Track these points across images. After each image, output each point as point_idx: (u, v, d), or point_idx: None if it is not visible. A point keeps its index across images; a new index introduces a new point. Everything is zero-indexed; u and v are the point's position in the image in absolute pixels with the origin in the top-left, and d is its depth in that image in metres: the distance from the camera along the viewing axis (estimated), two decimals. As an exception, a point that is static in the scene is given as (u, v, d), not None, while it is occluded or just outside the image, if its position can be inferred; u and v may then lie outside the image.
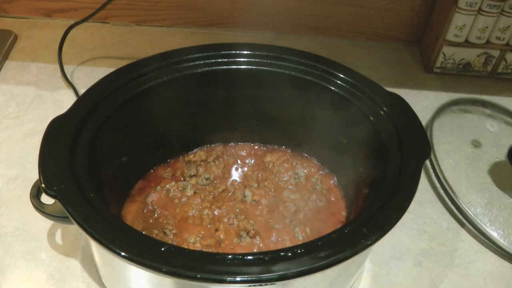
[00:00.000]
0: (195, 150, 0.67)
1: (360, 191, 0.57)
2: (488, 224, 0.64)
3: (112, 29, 0.92)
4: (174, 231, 0.57)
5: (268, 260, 0.41)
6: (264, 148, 0.68)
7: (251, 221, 0.58)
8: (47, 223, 0.60)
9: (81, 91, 0.78)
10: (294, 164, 0.65)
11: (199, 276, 0.39)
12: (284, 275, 0.40)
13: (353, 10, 0.89)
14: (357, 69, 0.59)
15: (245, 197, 0.61)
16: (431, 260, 0.61)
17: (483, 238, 0.63)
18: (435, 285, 0.59)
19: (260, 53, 0.60)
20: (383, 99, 0.56)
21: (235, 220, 0.59)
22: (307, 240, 0.50)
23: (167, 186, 0.61)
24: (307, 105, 0.61)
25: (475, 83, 0.87)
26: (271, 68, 0.59)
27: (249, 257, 0.41)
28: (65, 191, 0.44)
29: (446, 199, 0.68)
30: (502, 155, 0.71)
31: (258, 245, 0.57)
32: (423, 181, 0.70)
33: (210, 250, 0.56)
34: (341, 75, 0.58)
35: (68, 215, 0.43)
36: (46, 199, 0.47)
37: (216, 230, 0.58)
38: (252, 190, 0.62)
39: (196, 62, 0.59)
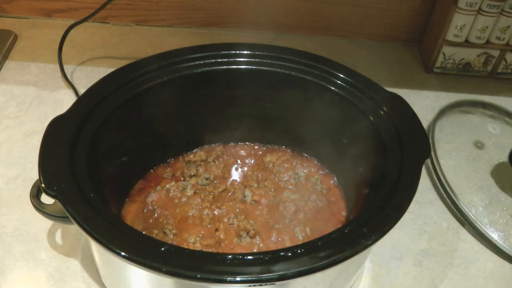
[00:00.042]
0: (195, 150, 0.67)
1: (360, 191, 0.57)
2: (488, 225, 0.64)
3: (112, 29, 0.92)
4: (174, 231, 0.57)
5: (268, 260, 0.41)
6: (264, 148, 0.68)
7: (251, 221, 0.58)
8: (47, 223, 0.60)
9: (81, 91, 0.78)
10: (294, 164, 0.65)
11: (199, 276, 0.39)
12: (284, 275, 0.40)
13: (353, 10, 0.89)
14: (357, 69, 0.59)
15: (245, 197, 0.61)
16: (431, 260, 0.61)
17: (483, 239, 0.63)
18: (435, 285, 0.59)
19: (260, 53, 0.60)
20: (383, 99, 0.56)
21: (235, 220, 0.59)
22: (307, 240, 0.50)
23: (167, 186, 0.61)
24: (307, 105, 0.61)
25: (475, 83, 0.87)
26: (271, 68, 0.59)
27: (249, 257, 0.41)
28: (65, 191, 0.44)
29: (447, 199, 0.68)
30: (504, 157, 0.71)
31: (258, 245, 0.57)
32: (423, 181, 0.70)
33: (210, 250, 0.56)
34: (341, 75, 0.58)
35: (68, 215, 0.43)
36: (46, 199, 0.47)
37: (216, 230, 0.58)
38: (252, 190, 0.62)
39: (196, 62, 0.59)
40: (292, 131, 0.66)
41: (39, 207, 0.50)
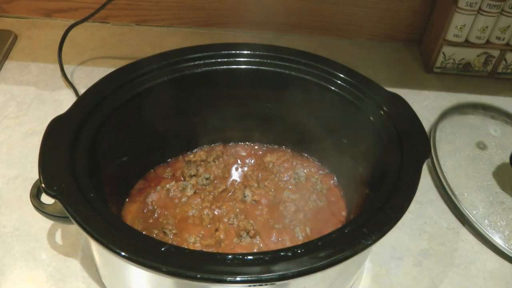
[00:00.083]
0: (195, 150, 0.67)
1: (360, 191, 0.57)
2: (488, 225, 0.64)
3: (112, 29, 0.92)
4: (174, 231, 0.57)
5: (268, 260, 0.41)
6: (264, 148, 0.68)
7: (251, 221, 0.58)
8: (47, 223, 0.60)
9: (81, 91, 0.78)
10: (294, 164, 0.65)
11: (199, 276, 0.39)
12: (284, 275, 0.40)
13: (353, 10, 0.89)
14: (357, 69, 0.59)
15: (245, 197, 0.61)
16: (431, 260, 0.61)
17: (484, 239, 0.63)
18: (435, 285, 0.59)
19: (260, 53, 0.60)
20: (383, 99, 0.56)
21: (235, 220, 0.59)
22: (307, 240, 0.50)
23: (167, 186, 0.61)
24: (307, 105, 0.61)
25: (475, 83, 0.87)
26: (271, 68, 0.59)
27: (249, 257, 0.41)
28: (65, 191, 0.44)
29: (447, 199, 0.68)
30: (506, 157, 0.70)
31: (258, 245, 0.57)
32: (423, 181, 0.70)
33: (210, 250, 0.56)
34: (341, 75, 0.58)
35: (68, 215, 0.43)
36: (46, 199, 0.47)
37: (216, 230, 0.58)
38: (252, 190, 0.62)
39: (196, 62, 0.59)
40: (292, 131, 0.66)
41: (39, 207, 0.50)
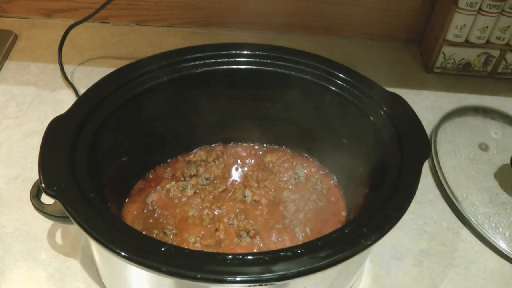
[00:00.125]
0: (195, 150, 0.67)
1: (360, 191, 0.57)
2: (488, 225, 0.64)
3: (112, 29, 0.92)
4: (174, 231, 0.57)
5: (268, 260, 0.41)
6: (264, 148, 0.68)
7: (251, 221, 0.58)
8: (47, 223, 0.60)
9: (81, 91, 0.78)
10: (294, 164, 0.65)
11: (199, 276, 0.39)
12: (284, 275, 0.40)
13: (353, 10, 0.89)
14: (357, 69, 0.59)
15: (245, 197, 0.61)
16: (431, 260, 0.61)
17: (483, 239, 0.63)
18: (435, 285, 0.59)
19: (260, 53, 0.60)
20: (383, 99, 0.56)
21: (235, 220, 0.59)
22: (307, 240, 0.50)
23: (167, 186, 0.61)
24: (307, 105, 0.61)
25: (475, 83, 0.87)
26: (271, 68, 0.59)
27: (249, 257, 0.41)
28: (65, 191, 0.44)
29: (447, 199, 0.68)
30: (508, 158, 0.70)
31: (258, 245, 0.57)
32: (423, 181, 0.70)
33: (210, 250, 0.56)
34: (341, 75, 0.58)
35: (68, 215, 0.43)
36: (46, 199, 0.47)
37: (216, 230, 0.58)
38: (252, 190, 0.62)
39: (196, 62, 0.59)
40: (292, 131, 0.66)
41: (39, 207, 0.50)
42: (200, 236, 0.57)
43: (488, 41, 0.83)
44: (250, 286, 0.41)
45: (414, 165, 0.49)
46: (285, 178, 0.64)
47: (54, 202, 0.47)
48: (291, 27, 0.92)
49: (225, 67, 0.59)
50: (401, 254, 0.62)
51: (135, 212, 0.59)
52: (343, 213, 0.61)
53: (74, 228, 0.60)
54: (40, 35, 0.89)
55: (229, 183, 0.64)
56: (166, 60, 0.58)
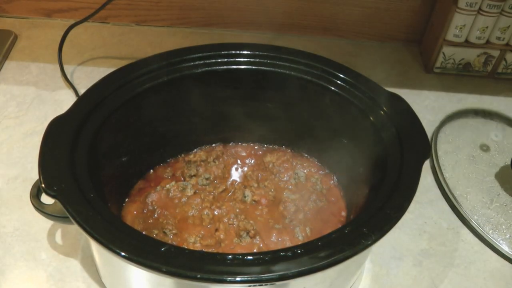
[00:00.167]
0: (195, 150, 0.67)
1: (360, 191, 0.57)
2: (487, 225, 0.64)
3: (112, 29, 0.92)
4: (174, 231, 0.57)
5: (268, 260, 0.41)
6: (264, 148, 0.68)
7: (251, 221, 0.58)
8: (47, 223, 0.60)
9: (81, 91, 0.78)
10: (294, 164, 0.65)
11: (199, 276, 0.39)
12: (284, 275, 0.40)
13: (353, 10, 0.89)
14: (357, 69, 0.59)
15: (245, 197, 0.61)
16: (431, 260, 0.61)
17: (483, 239, 0.63)
18: (435, 285, 0.59)
19: (260, 53, 0.60)
20: (383, 99, 0.56)
21: (235, 220, 0.59)
22: (307, 240, 0.50)
23: (167, 186, 0.61)
24: (307, 105, 0.61)
25: (475, 83, 0.87)
26: (271, 68, 0.59)
27: (249, 257, 0.41)
28: (65, 191, 0.44)
29: (447, 199, 0.68)
30: (509, 159, 0.70)
31: (258, 245, 0.57)
32: (423, 181, 0.70)
33: (210, 250, 0.56)
34: (341, 75, 0.58)
35: (68, 215, 0.43)
36: (46, 199, 0.47)
37: (216, 230, 0.58)
38: (252, 190, 0.62)
39: (196, 62, 0.59)
40: (292, 131, 0.66)
41: (39, 207, 0.50)
42: (200, 236, 0.57)
43: (488, 41, 0.83)
44: (250, 286, 0.41)
45: (414, 165, 0.49)
46: (285, 178, 0.64)
47: (54, 202, 0.47)
48: (291, 27, 0.92)
49: (225, 67, 0.59)
50: (401, 254, 0.62)
51: (135, 212, 0.59)
52: (343, 213, 0.61)
53: (74, 228, 0.60)
54: (40, 35, 0.89)
55: (229, 183, 0.64)
56: (166, 60, 0.58)
